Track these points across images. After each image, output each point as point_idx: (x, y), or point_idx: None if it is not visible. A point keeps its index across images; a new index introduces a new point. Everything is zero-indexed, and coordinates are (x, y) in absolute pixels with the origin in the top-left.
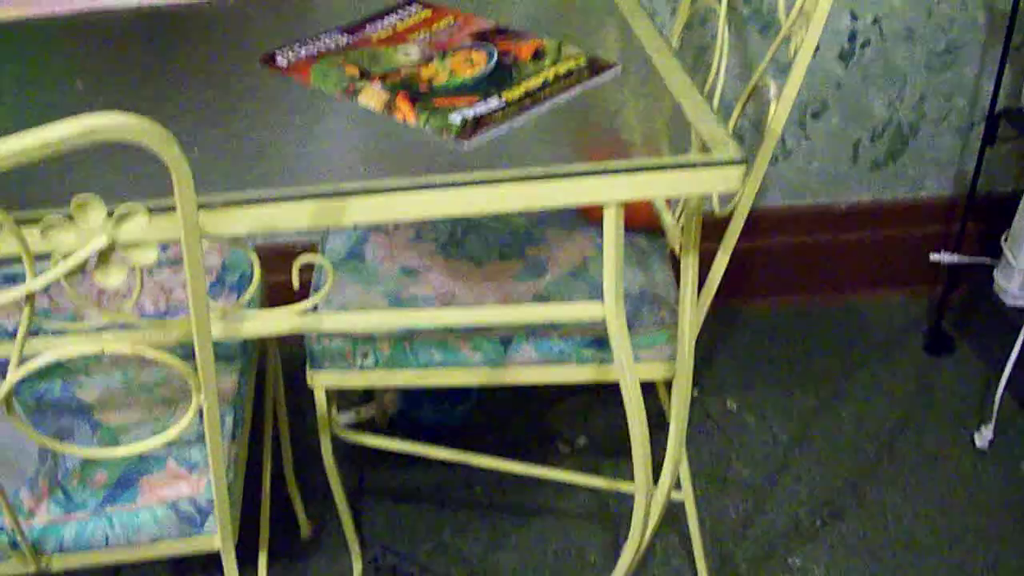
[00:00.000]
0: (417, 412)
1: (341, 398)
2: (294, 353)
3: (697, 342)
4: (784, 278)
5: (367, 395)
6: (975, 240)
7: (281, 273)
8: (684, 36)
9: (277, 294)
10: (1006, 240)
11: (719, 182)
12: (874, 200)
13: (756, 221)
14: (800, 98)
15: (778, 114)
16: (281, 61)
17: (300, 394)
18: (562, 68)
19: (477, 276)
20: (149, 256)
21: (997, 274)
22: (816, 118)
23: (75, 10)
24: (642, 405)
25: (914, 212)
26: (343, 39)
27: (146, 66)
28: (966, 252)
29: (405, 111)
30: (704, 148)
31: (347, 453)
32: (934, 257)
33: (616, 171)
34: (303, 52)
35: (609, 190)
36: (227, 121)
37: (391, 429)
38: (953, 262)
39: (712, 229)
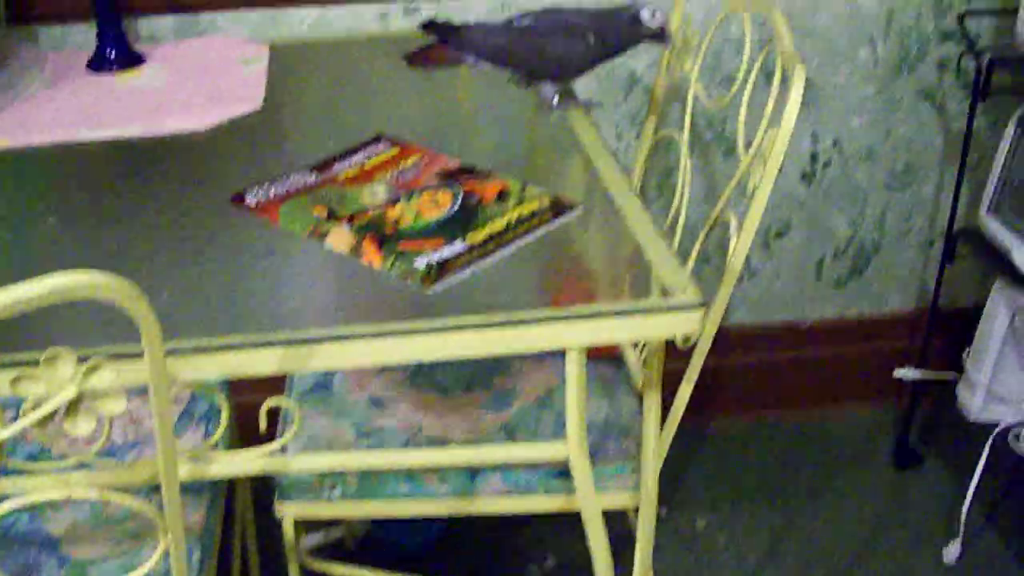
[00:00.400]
0: (386, 534)
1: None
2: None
3: (664, 461)
4: (751, 395)
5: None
6: (939, 354)
7: (251, 393)
8: (651, 161)
9: (247, 414)
10: (967, 356)
11: (679, 326)
12: (839, 316)
13: (723, 339)
14: (764, 219)
15: (738, 250)
16: (250, 200)
17: (270, 518)
18: (525, 209)
19: (444, 407)
20: (118, 406)
21: (960, 389)
22: (780, 237)
23: (51, 142)
24: (604, 537)
25: (878, 327)
26: (311, 178)
27: (119, 201)
28: (930, 367)
29: (371, 255)
30: (664, 291)
31: None
32: (898, 373)
33: (577, 317)
34: (272, 192)
35: (570, 336)
36: (197, 262)
37: (360, 551)
38: (917, 378)
39: (674, 351)
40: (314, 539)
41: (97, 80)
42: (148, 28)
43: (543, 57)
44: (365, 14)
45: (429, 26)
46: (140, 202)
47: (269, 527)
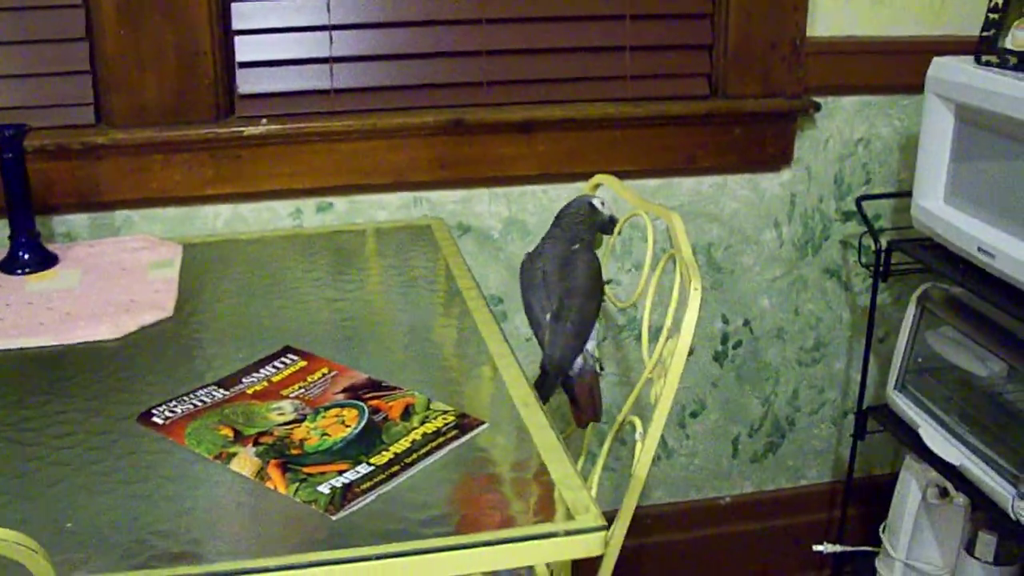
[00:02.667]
0: None
1: None
2: None
3: None
4: (673, 575)
5: None
6: (858, 526)
7: None
8: None
9: None
10: (884, 531)
11: (582, 548)
12: (757, 491)
13: (642, 519)
14: (678, 399)
15: (642, 460)
16: (158, 419)
17: None
18: (431, 427)
19: None
20: None
21: (879, 564)
22: (695, 417)
23: None
24: None
25: (796, 502)
26: (218, 394)
27: (26, 420)
28: (849, 541)
29: (276, 480)
30: (567, 514)
31: None
32: (817, 548)
33: (481, 544)
34: (179, 409)
35: (476, 561)
36: (103, 488)
37: None
38: (836, 551)
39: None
40: None
41: (8, 282)
42: (63, 225)
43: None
44: (279, 210)
45: None
46: (47, 421)
47: None
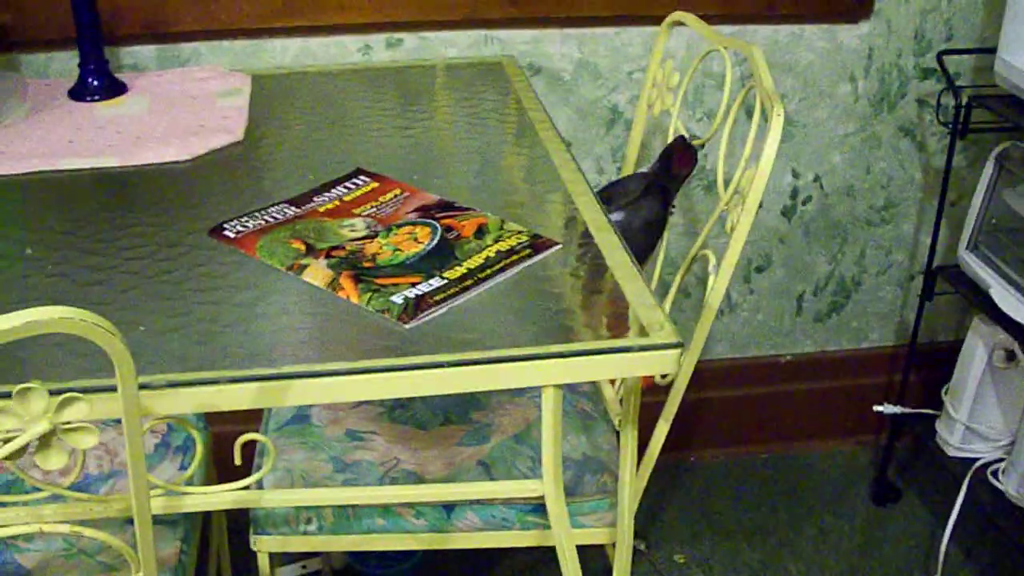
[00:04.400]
0: (363, 567)
1: None
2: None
3: (643, 496)
4: (731, 430)
5: None
6: (919, 390)
7: (228, 424)
8: None
9: (224, 444)
10: (946, 393)
11: (655, 365)
12: (818, 352)
13: (702, 374)
14: (744, 253)
15: (716, 288)
16: (229, 233)
17: (246, 549)
18: (504, 246)
19: (422, 441)
20: (90, 440)
21: (939, 425)
22: (760, 272)
23: (31, 170)
24: (579, 572)
25: (857, 363)
26: (290, 211)
27: (97, 233)
28: (909, 403)
29: (349, 290)
30: (641, 330)
31: None
32: (877, 408)
33: (553, 356)
34: (251, 224)
35: (546, 373)
36: (174, 296)
37: None
38: (896, 413)
39: (654, 388)
40: (290, 572)
41: (79, 109)
42: (130, 57)
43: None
44: (348, 45)
45: None
46: (118, 234)
47: (245, 559)
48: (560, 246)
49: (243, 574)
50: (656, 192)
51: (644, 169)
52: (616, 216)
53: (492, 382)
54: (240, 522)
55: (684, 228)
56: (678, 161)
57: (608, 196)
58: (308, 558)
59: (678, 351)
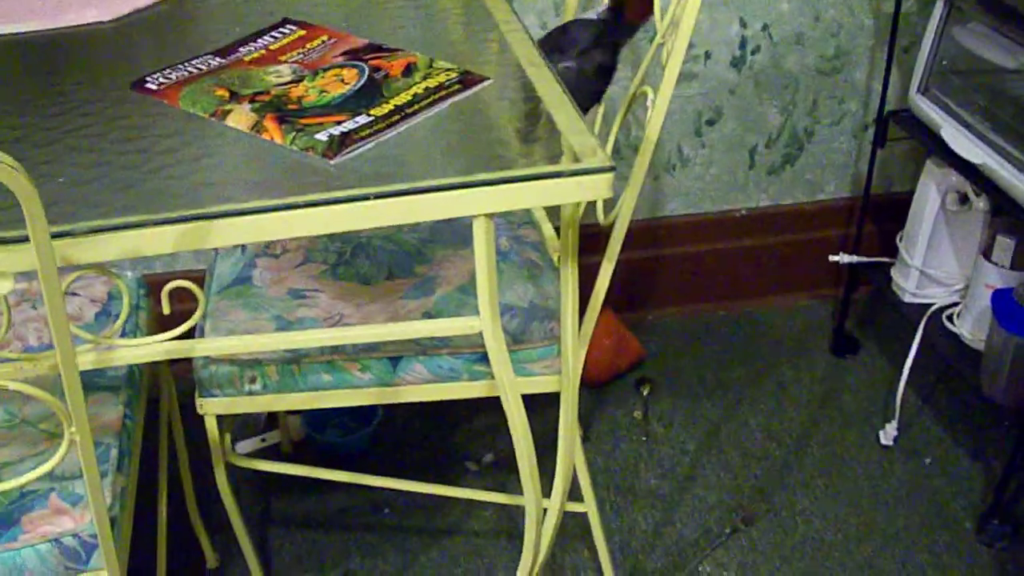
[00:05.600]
0: (322, 436)
1: (245, 425)
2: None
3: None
4: (687, 287)
5: (272, 421)
6: (875, 240)
7: (177, 302)
8: None
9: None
10: (901, 240)
11: (589, 190)
12: (773, 205)
13: (656, 230)
14: (694, 106)
15: (653, 121)
16: (151, 85)
17: (201, 419)
18: (432, 82)
19: (366, 296)
20: (3, 287)
21: (895, 273)
22: (711, 125)
23: None
24: (524, 417)
25: (813, 215)
26: (215, 62)
27: (17, 95)
28: (865, 253)
29: (273, 131)
30: (575, 158)
31: (254, 481)
32: (833, 258)
33: (483, 183)
34: (174, 76)
35: (477, 202)
36: (96, 147)
37: (298, 454)
38: (852, 262)
39: (602, 242)
40: (250, 444)
41: None
42: None
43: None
44: None
45: None
46: (38, 94)
47: (201, 430)
48: (490, 81)
49: (198, 446)
50: (607, 43)
51: (591, 15)
52: (566, 63)
53: (420, 213)
54: (193, 396)
55: (632, 76)
56: (632, 10)
57: (556, 45)
58: (267, 432)
59: (610, 175)
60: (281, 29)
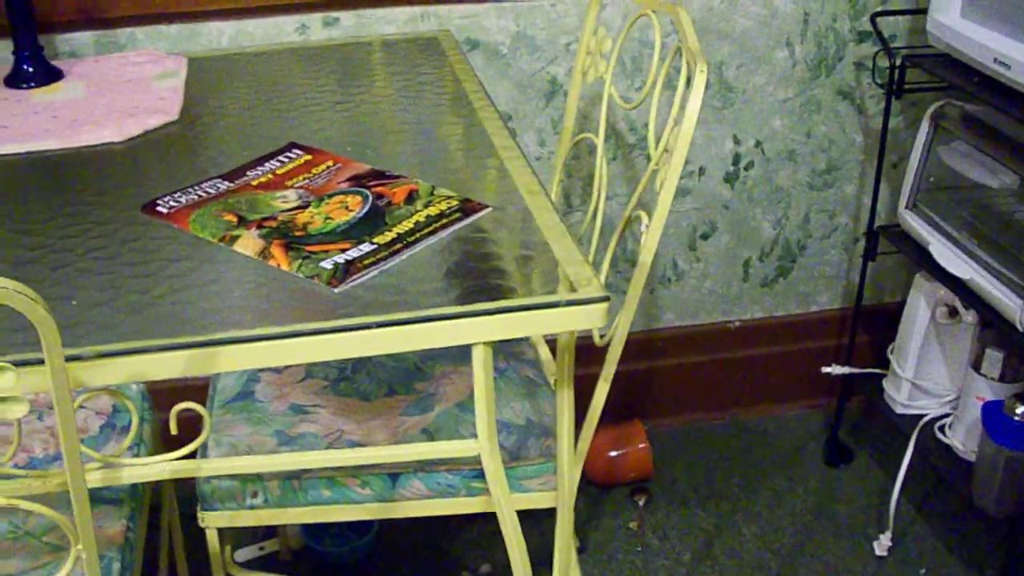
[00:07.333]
0: (320, 545)
1: (245, 532)
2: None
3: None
4: (682, 397)
5: (271, 529)
6: (866, 351)
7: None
8: (573, 165)
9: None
10: (892, 351)
11: (584, 319)
12: (766, 317)
13: (652, 342)
14: (689, 220)
15: (648, 245)
16: (162, 209)
17: (201, 531)
18: (434, 210)
19: (366, 412)
20: (19, 411)
21: (887, 384)
22: (706, 239)
23: None
24: (519, 533)
25: (806, 327)
26: (223, 185)
27: (31, 214)
28: (857, 363)
29: (279, 258)
30: (571, 288)
31: None
32: (825, 370)
33: (482, 313)
34: (183, 200)
35: (476, 331)
36: (106, 270)
37: (295, 563)
38: (845, 374)
39: (598, 355)
40: (248, 552)
41: (14, 96)
42: (67, 44)
43: None
44: (285, 26)
45: None
46: (52, 214)
47: (201, 540)
48: (490, 209)
49: (198, 556)
50: None
51: None
52: None
53: (420, 341)
54: (194, 506)
55: (627, 197)
56: None
57: None
58: (266, 540)
59: (605, 304)
60: (288, 153)
